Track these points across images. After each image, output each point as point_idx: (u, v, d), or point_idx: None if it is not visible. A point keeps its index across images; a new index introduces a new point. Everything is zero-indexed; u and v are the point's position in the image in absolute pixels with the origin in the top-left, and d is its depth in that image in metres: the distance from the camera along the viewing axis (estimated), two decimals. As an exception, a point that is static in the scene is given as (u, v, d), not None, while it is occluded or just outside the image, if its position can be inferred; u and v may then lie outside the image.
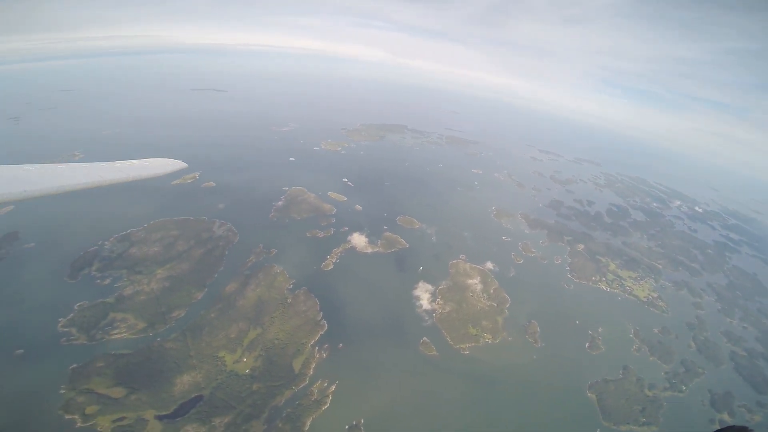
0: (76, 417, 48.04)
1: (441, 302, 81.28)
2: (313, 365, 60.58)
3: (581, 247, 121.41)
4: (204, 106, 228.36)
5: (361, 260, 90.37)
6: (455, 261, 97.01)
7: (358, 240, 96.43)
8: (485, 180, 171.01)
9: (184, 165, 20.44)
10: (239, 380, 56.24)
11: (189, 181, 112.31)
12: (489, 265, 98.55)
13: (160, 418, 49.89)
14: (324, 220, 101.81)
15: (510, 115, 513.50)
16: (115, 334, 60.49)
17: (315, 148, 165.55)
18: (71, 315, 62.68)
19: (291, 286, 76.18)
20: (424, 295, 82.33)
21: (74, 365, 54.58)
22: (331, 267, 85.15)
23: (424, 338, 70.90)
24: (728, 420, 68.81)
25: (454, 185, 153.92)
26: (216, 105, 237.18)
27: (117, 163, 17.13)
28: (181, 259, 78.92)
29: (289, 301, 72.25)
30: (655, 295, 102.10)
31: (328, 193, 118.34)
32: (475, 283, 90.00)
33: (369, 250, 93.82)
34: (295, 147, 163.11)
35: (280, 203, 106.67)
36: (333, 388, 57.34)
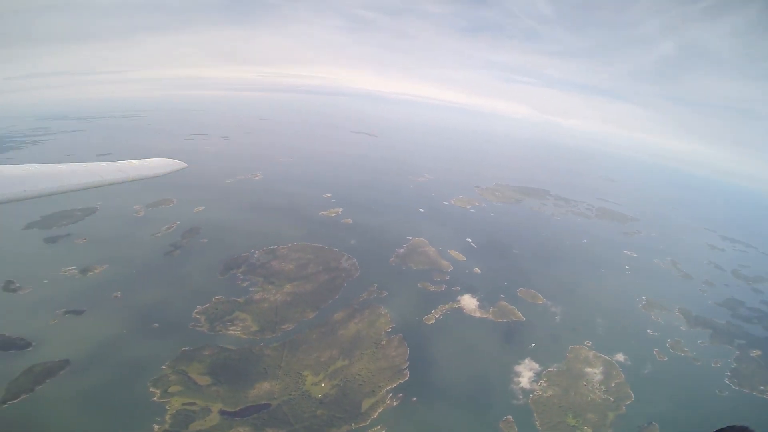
0: (158, 392, 56.53)
1: (544, 384, 70.44)
2: (380, 410, 59.19)
3: (757, 353, 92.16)
4: (357, 149, 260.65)
5: (466, 322, 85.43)
6: (577, 346, 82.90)
7: (468, 302, 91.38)
8: (640, 265, 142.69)
9: (183, 165, 20.28)
10: (308, 401, 58.44)
11: (333, 215, 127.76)
12: (619, 356, 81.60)
13: (222, 413, 54.65)
14: (438, 275, 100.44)
15: (685, 188, 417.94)
16: (232, 330, 70.40)
17: (445, 203, 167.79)
18: (207, 305, 76.61)
19: (389, 329, 77.36)
20: (526, 372, 72.49)
21: (186, 348, 65.27)
22: (433, 321, 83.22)
23: (509, 417, 62.11)
24: None
25: (598, 266, 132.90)
26: (367, 149, 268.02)
27: (117, 163, 17.25)
28: (307, 280, 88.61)
29: (383, 343, 73.31)
30: None
31: (449, 250, 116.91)
32: (594, 372, 75.65)
33: (477, 315, 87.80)
34: (426, 198, 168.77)
35: (401, 250, 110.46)
36: (388, 436, 54.65)
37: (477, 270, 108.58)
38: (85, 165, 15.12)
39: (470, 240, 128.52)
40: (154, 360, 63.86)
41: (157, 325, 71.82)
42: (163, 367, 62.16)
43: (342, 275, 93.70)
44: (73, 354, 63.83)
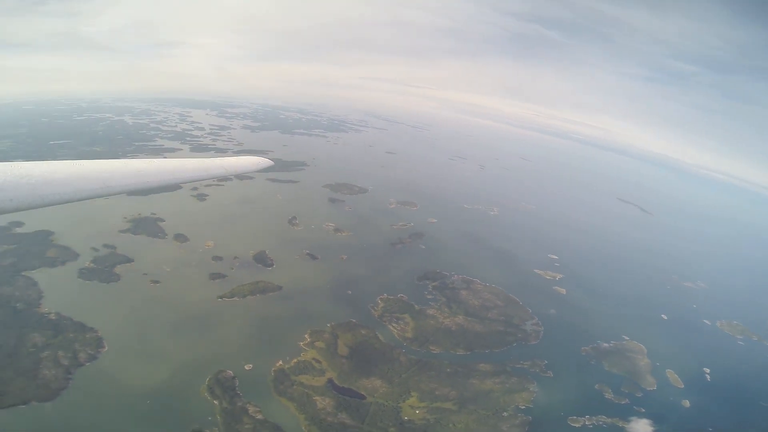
0: (307, 339, 63.48)
1: None
2: None
3: None
4: (616, 222, 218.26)
5: None
6: None
7: (641, 429, 63.73)
8: None
9: (270, 163, 21.15)
10: (393, 416, 54.58)
11: (548, 277, 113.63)
12: None
13: (330, 381, 60.67)
14: (629, 387, 71.53)
15: None
16: (392, 326, 73.50)
17: (705, 321, 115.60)
18: (390, 297, 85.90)
19: (524, 407, 64.70)
20: None
21: (353, 320, 75.83)
22: (578, 426, 62.85)
23: None
24: None
25: None
26: (630, 225, 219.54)
27: (218, 160, 17.98)
28: (482, 322, 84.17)
29: (504, 414, 62.60)
30: None
31: (667, 369, 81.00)
32: None
33: None
34: (681, 308, 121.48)
35: (605, 345, 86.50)
36: None
37: (686, 403, 72.63)
38: (194, 161, 16.94)
39: (708, 370, 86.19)
40: (325, 316, 76.37)
41: (349, 292, 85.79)
42: (328, 325, 73.47)
43: (518, 335, 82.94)
44: (286, 282, 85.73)
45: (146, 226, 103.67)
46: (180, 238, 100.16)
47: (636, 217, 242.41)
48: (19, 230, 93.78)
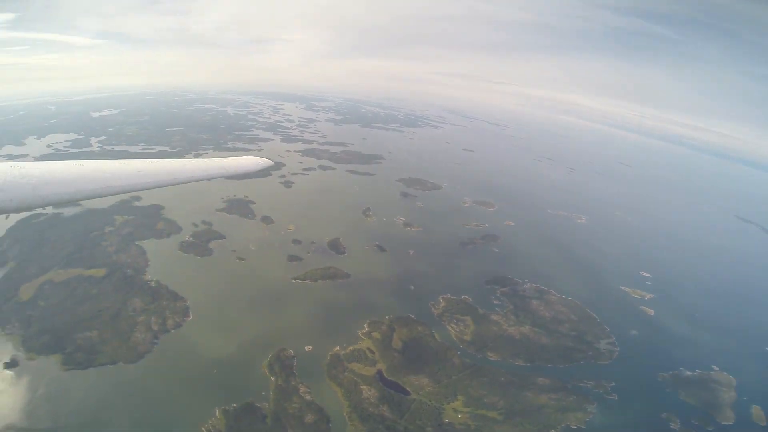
0: (365, 329, 63.88)
1: None
2: None
3: None
4: (732, 242, 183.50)
5: None
6: None
7: None
8: None
9: (270, 163, 21.68)
10: (434, 417, 54.11)
11: (635, 296, 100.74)
12: None
13: (379, 373, 61.85)
14: (701, 420, 59.72)
15: None
16: (450, 326, 72.38)
17: None
18: (453, 297, 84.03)
19: (575, 427, 58.93)
20: None
21: (411, 315, 72.14)
22: None
23: None
24: None
25: None
26: (749, 250, 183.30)
27: (218, 160, 18.10)
28: (550, 335, 78.06)
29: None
30: None
31: (753, 406, 65.34)
32: None
33: None
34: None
35: (688, 373, 73.47)
36: None
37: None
38: (194, 161, 17.66)
39: None
40: (386, 308, 76.85)
41: (412, 287, 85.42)
42: (387, 317, 73.94)
43: (588, 353, 74.88)
44: (354, 271, 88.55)
45: (239, 207, 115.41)
46: (266, 219, 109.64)
47: (757, 240, 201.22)
48: (137, 203, 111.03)
